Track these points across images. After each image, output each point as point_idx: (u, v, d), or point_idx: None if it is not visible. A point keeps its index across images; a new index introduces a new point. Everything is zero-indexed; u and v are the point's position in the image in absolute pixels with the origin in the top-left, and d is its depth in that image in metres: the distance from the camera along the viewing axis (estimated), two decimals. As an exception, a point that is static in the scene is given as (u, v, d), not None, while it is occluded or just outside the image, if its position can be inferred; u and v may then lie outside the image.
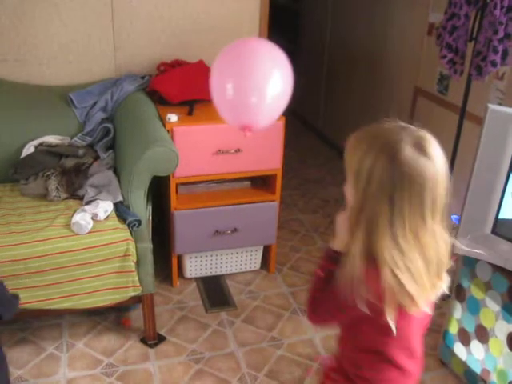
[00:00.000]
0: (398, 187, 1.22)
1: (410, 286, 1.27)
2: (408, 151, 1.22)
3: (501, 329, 2.24)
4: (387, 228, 1.24)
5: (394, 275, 1.25)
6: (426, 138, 1.28)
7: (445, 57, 2.74)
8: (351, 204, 1.31)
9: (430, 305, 1.43)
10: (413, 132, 1.29)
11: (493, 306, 2.26)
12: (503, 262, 2.16)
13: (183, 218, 2.90)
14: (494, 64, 2.53)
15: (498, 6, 2.42)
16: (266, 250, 3.25)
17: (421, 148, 1.24)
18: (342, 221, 1.38)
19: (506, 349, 2.22)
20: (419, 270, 1.28)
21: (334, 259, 1.42)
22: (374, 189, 1.23)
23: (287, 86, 1.83)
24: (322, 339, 2.75)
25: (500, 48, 2.49)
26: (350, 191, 1.31)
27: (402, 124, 1.32)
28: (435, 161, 1.25)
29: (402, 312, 1.31)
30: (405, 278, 1.26)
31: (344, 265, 1.31)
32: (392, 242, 1.24)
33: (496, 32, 2.46)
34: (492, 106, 2.09)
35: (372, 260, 1.27)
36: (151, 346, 2.65)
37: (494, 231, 2.15)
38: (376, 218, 1.25)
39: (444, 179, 1.27)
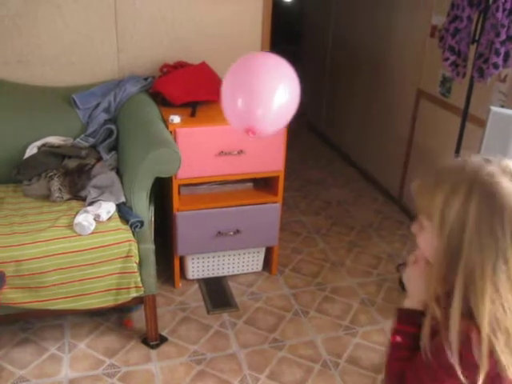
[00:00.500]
0: (496, 229, 1.02)
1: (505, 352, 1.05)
2: (506, 183, 1.03)
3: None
4: (488, 281, 1.03)
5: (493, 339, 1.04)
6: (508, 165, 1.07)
7: (447, 59, 2.74)
8: (433, 255, 1.12)
9: None
10: (500, 162, 1.08)
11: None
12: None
13: (185, 220, 2.90)
14: (496, 66, 2.53)
15: (501, 9, 2.42)
16: (268, 252, 3.25)
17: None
18: (414, 275, 1.21)
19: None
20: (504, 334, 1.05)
21: (411, 320, 1.22)
22: (466, 235, 1.04)
23: (293, 98, 1.87)
24: (324, 341, 2.75)
25: (502, 50, 2.49)
26: (428, 240, 1.14)
27: (483, 157, 1.11)
28: None
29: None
30: (501, 343, 1.05)
31: (427, 327, 1.12)
32: (494, 299, 1.04)
33: (498, 34, 2.47)
34: (494, 109, 2.10)
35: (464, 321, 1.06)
36: (153, 347, 2.66)
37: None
38: (474, 269, 1.04)
39: None
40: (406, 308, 1.24)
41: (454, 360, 1.05)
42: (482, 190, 1.03)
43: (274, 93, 1.85)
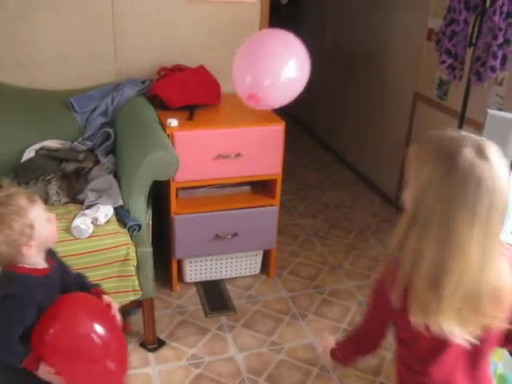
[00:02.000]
0: (453, 193, 1.18)
1: (435, 299, 1.23)
2: (468, 155, 1.18)
3: (500, 333, 2.24)
4: (434, 235, 1.21)
5: (422, 284, 1.24)
6: (487, 144, 1.22)
7: (444, 62, 2.75)
8: (408, 208, 1.28)
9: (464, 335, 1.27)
10: (474, 138, 1.23)
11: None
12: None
13: (183, 223, 2.90)
14: (493, 69, 2.54)
15: (498, 12, 2.43)
16: (266, 255, 3.25)
17: (481, 153, 1.19)
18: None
19: (506, 354, 2.22)
20: (447, 287, 1.22)
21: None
22: (427, 195, 1.22)
23: (301, 75, 1.97)
24: (322, 344, 2.75)
25: (499, 53, 2.50)
26: (407, 194, 1.29)
27: (464, 133, 1.26)
28: (496, 169, 1.18)
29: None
30: (425, 287, 1.23)
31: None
32: (433, 251, 1.21)
33: (495, 38, 2.47)
34: (492, 112, 2.10)
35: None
36: (151, 351, 2.65)
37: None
38: (428, 224, 1.22)
39: (505, 193, 1.20)
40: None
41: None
42: (444, 157, 1.20)
43: (283, 66, 1.91)
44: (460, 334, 1.26)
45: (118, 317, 1.79)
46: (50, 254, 1.73)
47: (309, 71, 2.12)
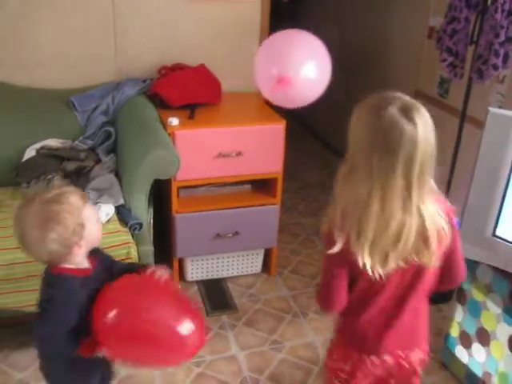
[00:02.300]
0: (375, 143, 1.34)
1: (362, 239, 1.39)
2: (392, 111, 1.33)
3: (502, 331, 2.24)
4: (363, 182, 1.37)
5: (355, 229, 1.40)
6: (415, 105, 1.38)
7: (445, 60, 2.75)
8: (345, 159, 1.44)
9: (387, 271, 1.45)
10: (404, 99, 1.39)
11: (494, 309, 2.27)
12: (504, 265, 2.16)
13: (184, 221, 2.90)
14: (495, 67, 2.54)
15: (500, 10, 2.43)
16: (267, 253, 3.25)
17: (406, 112, 1.34)
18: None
19: (508, 351, 2.22)
20: (374, 229, 1.38)
21: None
22: (357, 146, 1.39)
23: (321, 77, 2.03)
24: (323, 342, 2.75)
25: (501, 51, 2.50)
26: (349, 153, 1.44)
27: (399, 94, 1.41)
28: (417, 126, 1.34)
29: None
30: (355, 231, 1.40)
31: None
32: (363, 196, 1.38)
33: (497, 36, 2.47)
34: (493, 110, 2.10)
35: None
36: (152, 350, 2.65)
37: (494, 234, 2.15)
38: (356, 172, 1.39)
39: (425, 149, 1.39)
40: None
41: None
42: (373, 112, 1.37)
43: (310, 60, 2.01)
44: (391, 270, 1.44)
45: (171, 283, 1.74)
46: (94, 252, 1.71)
47: (329, 75, 2.21)
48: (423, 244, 1.42)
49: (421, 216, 1.40)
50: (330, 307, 1.59)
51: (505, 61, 2.54)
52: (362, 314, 1.58)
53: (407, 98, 1.40)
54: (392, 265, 1.43)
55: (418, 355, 1.65)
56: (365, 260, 1.40)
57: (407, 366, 1.64)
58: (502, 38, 2.47)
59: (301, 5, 5.89)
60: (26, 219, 1.53)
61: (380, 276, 1.43)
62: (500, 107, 2.91)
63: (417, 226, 1.40)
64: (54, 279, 1.61)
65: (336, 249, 1.43)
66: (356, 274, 1.49)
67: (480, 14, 2.59)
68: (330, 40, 4.93)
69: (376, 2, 4.34)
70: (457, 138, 2.92)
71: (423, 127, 1.36)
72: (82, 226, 1.56)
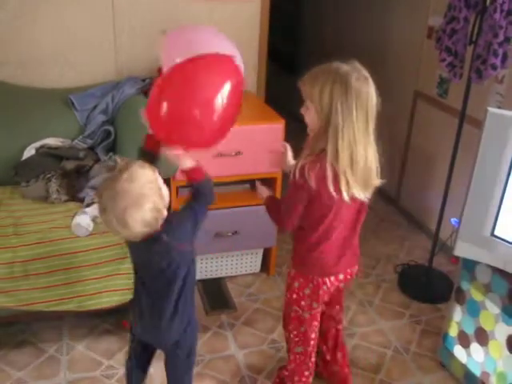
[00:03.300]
0: (350, 104, 1.76)
1: (344, 175, 1.81)
2: (354, 78, 1.77)
3: (500, 331, 2.24)
4: (346, 136, 1.78)
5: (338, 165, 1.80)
6: (361, 69, 1.83)
7: (444, 60, 2.75)
8: (316, 122, 1.83)
9: (353, 199, 1.88)
10: (353, 66, 1.81)
11: (492, 309, 2.27)
12: (503, 264, 2.16)
13: (183, 221, 2.90)
14: (494, 67, 2.54)
15: (498, 10, 2.43)
16: (266, 253, 3.26)
17: (361, 76, 1.80)
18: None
19: (506, 351, 2.22)
20: (354, 168, 1.83)
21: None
22: (333, 108, 1.76)
23: None
24: (322, 342, 2.75)
25: (500, 51, 2.50)
26: (311, 114, 1.84)
27: (340, 63, 1.81)
28: (371, 85, 1.84)
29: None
30: (341, 168, 1.80)
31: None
32: (344, 142, 1.79)
33: (496, 36, 2.47)
34: (492, 110, 2.10)
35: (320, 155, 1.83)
36: (151, 349, 2.65)
37: (493, 233, 2.16)
38: (336, 128, 1.77)
39: (374, 98, 1.86)
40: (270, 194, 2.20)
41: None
42: (340, 82, 1.76)
43: None
44: (362, 198, 1.90)
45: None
46: None
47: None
48: (372, 175, 1.96)
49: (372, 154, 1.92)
50: (288, 226, 2.00)
51: (503, 61, 2.54)
52: (324, 244, 1.98)
53: (348, 64, 1.82)
54: (365, 192, 1.91)
55: (355, 270, 2.15)
56: (353, 191, 1.85)
57: (350, 279, 2.14)
58: (501, 38, 2.47)
59: (299, 5, 5.89)
60: (117, 205, 1.62)
61: (342, 206, 1.89)
62: (499, 107, 2.91)
63: (371, 161, 1.92)
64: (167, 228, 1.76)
65: (313, 184, 1.82)
66: (324, 209, 1.91)
67: (479, 13, 2.59)
68: (329, 39, 4.91)
69: (375, 2, 4.34)
70: (456, 138, 2.92)
71: (371, 82, 1.85)
72: (161, 190, 1.72)
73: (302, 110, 1.89)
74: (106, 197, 1.65)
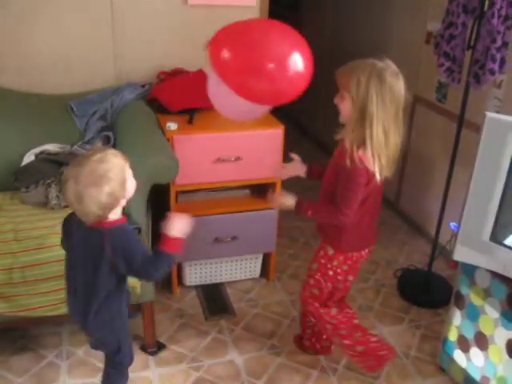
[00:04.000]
0: (384, 96, 1.95)
1: (379, 158, 2.02)
2: (389, 73, 1.97)
3: (500, 336, 2.24)
4: (380, 124, 1.97)
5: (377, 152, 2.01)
6: (393, 65, 2.02)
7: (442, 65, 2.75)
8: (350, 111, 2.00)
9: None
10: (386, 63, 2.02)
11: (492, 313, 2.27)
12: (502, 269, 2.17)
13: (183, 226, 2.90)
14: (492, 72, 2.54)
15: (496, 15, 2.44)
16: (266, 258, 3.26)
17: (394, 72, 2.00)
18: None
19: (506, 356, 2.22)
20: (386, 152, 2.03)
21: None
22: (369, 98, 1.94)
23: None
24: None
25: (498, 56, 2.51)
26: (347, 104, 2.01)
27: (376, 59, 2.02)
28: (401, 79, 2.02)
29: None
30: (375, 151, 2.01)
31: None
32: (379, 129, 1.98)
33: (494, 41, 2.48)
34: (490, 114, 2.11)
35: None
36: (151, 354, 2.65)
37: (492, 238, 2.16)
38: (371, 116, 1.95)
39: (404, 91, 2.02)
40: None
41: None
42: (377, 74, 1.95)
43: None
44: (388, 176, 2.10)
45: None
46: None
47: None
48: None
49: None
50: (350, 217, 2.10)
51: (501, 66, 2.54)
52: (366, 219, 2.22)
53: (383, 61, 2.03)
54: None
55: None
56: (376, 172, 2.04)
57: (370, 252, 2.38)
58: (499, 43, 2.48)
59: (298, 10, 5.91)
60: (80, 179, 1.71)
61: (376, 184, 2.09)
62: (497, 112, 2.92)
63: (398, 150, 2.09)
64: (115, 231, 1.85)
65: (377, 175, 2.04)
66: (369, 188, 2.09)
67: (477, 19, 2.60)
68: (329, 45, 4.92)
69: (374, 8, 4.36)
70: (455, 142, 2.93)
71: (403, 79, 2.03)
72: (126, 181, 1.80)
73: (336, 100, 2.06)
74: (73, 170, 1.73)
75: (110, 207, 1.78)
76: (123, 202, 1.85)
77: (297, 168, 2.53)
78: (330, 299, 2.43)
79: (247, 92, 1.89)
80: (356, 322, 2.47)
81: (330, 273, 2.33)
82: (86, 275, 1.91)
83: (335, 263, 2.31)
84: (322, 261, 2.34)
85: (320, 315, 2.44)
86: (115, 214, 1.85)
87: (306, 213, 2.25)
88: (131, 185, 1.85)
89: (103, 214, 1.78)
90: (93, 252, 1.86)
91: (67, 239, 1.99)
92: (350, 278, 2.38)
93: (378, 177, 2.04)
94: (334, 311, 2.43)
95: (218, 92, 2.05)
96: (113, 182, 1.74)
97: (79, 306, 1.97)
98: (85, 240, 1.88)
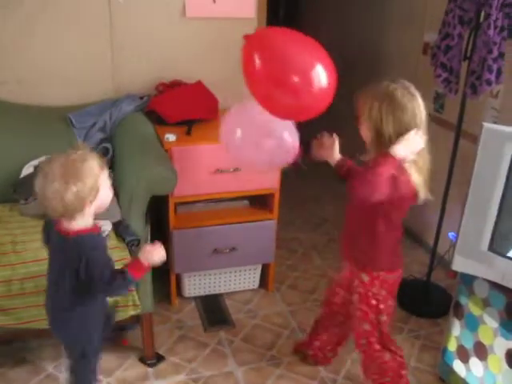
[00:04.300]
0: (398, 118, 1.96)
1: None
2: (401, 95, 1.96)
3: (499, 345, 2.24)
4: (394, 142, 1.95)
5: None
6: (409, 86, 2.01)
7: (440, 76, 2.77)
8: (369, 135, 2.06)
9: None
10: (401, 84, 2.01)
11: (491, 323, 2.27)
12: (500, 279, 2.17)
13: (182, 237, 2.91)
14: (488, 83, 2.56)
15: (492, 26, 2.45)
16: (265, 269, 3.26)
17: (408, 93, 1.98)
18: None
19: (505, 365, 2.22)
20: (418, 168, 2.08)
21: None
22: (383, 122, 1.97)
23: None
24: (321, 357, 2.75)
25: (494, 67, 2.52)
26: (364, 128, 2.08)
27: (390, 81, 2.02)
28: (417, 99, 1.99)
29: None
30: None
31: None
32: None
33: (490, 51, 2.50)
34: (487, 125, 2.12)
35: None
36: (150, 366, 2.65)
37: (490, 248, 2.16)
38: (389, 138, 1.97)
39: (422, 111, 2.00)
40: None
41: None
42: (389, 98, 1.97)
43: None
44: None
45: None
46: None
47: None
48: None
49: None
50: (373, 196, 1.97)
51: (498, 76, 2.56)
52: (395, 236, 2.19)
53: (400, 80, 2.03)
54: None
55: None
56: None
57: None
58: (495, 53, 2.50)
59: (295, 21, 5.94)
60: (50, 172, 1.70)
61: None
62: (495, 122, 2.93)
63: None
64: (80, 239, 1.81)
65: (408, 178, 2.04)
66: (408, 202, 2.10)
67: (473, 30, 2.62)
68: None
69: (371, 19, 4.38)
70: (452, 153, 2.94)
71: (419, 96, 2.00)
72: (97, 189, 1.76)
73: (357, 124, 2.12)
74: (48, 162, 1.73)
75: (73, 209, 1.74)
76: (91, 210, 1.81)
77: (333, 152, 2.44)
78: (387, 339, 2.30)
79: (271, 104, 2.05)
80: (404, 372, 2.35)
81: (373, 302, 2.22)
82: (53, 275, 1.93)
83: (374, 290, 2.20)
84: (361, 290, 2.23)
85: (373, 358, 2.33)
86: (85, 222, 1.81)
87: (345, 170, 2.36)
88: (105, 195, 1.82)
89: (65, 213, 1.75)
90: (60, 256, 1.86)
91: (47, 240, 2.00)
92: (391, 302, 2.25)
93: (420, 193, 2.07)
94: (387, 356, 2.30)
95: (243, 142, 2.17)
96: (81, 184, 1.71)
97: (48, 304, 2.00)
98: (56, 243, 1.88)
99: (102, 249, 1.89)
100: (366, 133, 2.06)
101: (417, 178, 2.04)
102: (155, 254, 1.87)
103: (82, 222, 1.81)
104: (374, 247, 2.16)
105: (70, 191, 1.69)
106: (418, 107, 1.98)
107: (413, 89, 1.99)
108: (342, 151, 2.35)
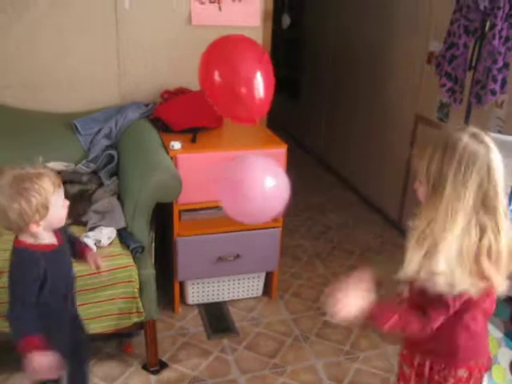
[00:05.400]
0: (464, 172, 1.44)
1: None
2: (469, 143, 1.45)
3: (504, 356, 2.23)
4: (456, 209, 1.47)
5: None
6: (480, 133, 1.49)
7: (444, 85, 2.78)
8: (427, 199, 1.57)
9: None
10: (469, 130, 1.49)
11: (495, 333, 2.26)
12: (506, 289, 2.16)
13: (186, 245, 2.91)
14: (493, 93, 2.56)
15: (497, 36, 2.46)
16: (268, 277, 3.25)
17: (478, 141, 1.46)
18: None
19: (509, 376, 2.21)
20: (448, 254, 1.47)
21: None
22: (443, 178, 1.47)
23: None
24: (325, 366, 2.74)
25: (499, 77, 2.53)
26: (422, 189, 1.59)
27: (454, 128, 1.54)
28: (490, 149, 1.47)
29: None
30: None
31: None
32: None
33: (495, 61, 2.50)
34: (492, 135, 2.11)
35: None
36: (153, 373, 2.64)
37: (495, 258, 2.16)
38: (448, 202, 1.47)
39: (498, 167, 1.49)
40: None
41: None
42: (451, 147, 1.45)
43: None
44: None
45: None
46: (60, 231, 1.85)
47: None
48: None
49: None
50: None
51: (502, 86, 2.57)
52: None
53: (469, 127, 1.52)
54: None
55: None
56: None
57: None
58: (500, 63, 2.51)
59: (301, 31, 5.95)
60: (3, 187, 1.64)
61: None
62: (500, 131, 2.94)
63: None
64: (14, 251, 1.76)
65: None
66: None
67: (478, 40, 2.63)
68: (331, 65, 4.93)
69: (376, 28, 4.39)
70: (457, 162, 2.94)
71: (496, 151, 1.49)
72: (46, 208, 1.68)
73: (415, 185, 1.66)
74: (2, 174, 1.67)
75: (17, 226, 1.69)
76: (40, 228, 1.72)
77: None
78: None
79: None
80: None
81: None
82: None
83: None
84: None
85: None
86: (31, 236, 1.74)
87: (389, 319, 1.63)
88: (55, 213, 1.73)
89: (10, 228, 1.71)
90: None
91: None
92: None
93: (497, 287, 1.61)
94: None
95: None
96: (26, 203, 1.63)
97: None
98: None
99: (27, 270, 1.74)
100: (423, 196, 1.62)
101: (491, 271, 1.52)
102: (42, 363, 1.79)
103: (31, 238, 1.74)
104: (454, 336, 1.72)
105: (12, 209, 1.63)
106: (493, 161, 1.50)
107: (486, 137, 1.51)
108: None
